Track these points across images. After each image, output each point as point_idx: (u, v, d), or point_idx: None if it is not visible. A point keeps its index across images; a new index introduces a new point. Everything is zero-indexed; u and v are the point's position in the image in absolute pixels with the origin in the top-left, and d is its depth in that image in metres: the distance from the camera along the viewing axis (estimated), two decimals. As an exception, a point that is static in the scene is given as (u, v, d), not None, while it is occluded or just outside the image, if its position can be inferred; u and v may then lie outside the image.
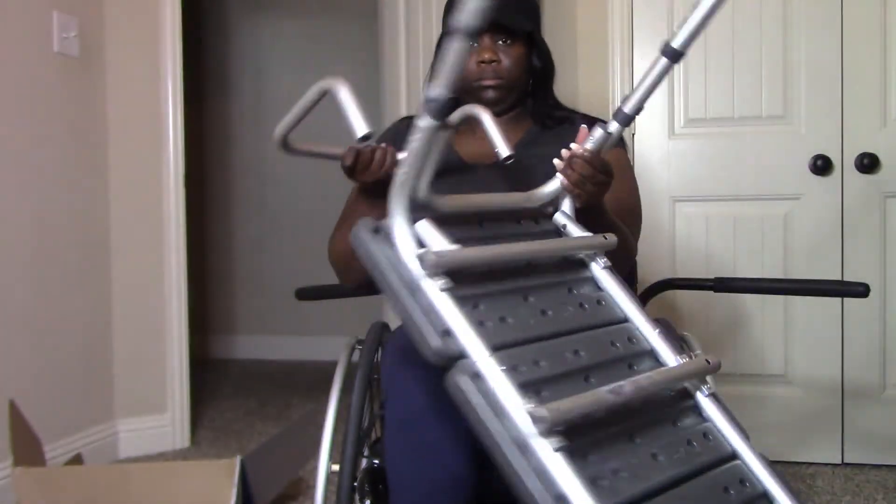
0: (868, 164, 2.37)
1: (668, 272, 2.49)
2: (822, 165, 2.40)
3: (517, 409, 0.83)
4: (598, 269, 1.14)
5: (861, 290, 1.56)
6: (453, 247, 0.93)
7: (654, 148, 2.52)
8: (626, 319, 1.11)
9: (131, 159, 2.67)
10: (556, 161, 1.19)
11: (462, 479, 1.16)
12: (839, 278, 2.40)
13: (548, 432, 0.82)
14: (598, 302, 1.11)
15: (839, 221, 2.42)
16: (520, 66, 1.49)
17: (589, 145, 1.17)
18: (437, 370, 1.17)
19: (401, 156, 1.28)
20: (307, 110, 1.24)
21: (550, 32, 2.64)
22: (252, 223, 4.38)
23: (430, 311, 0.89)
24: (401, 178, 0.95)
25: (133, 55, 2.66)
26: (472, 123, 1.56)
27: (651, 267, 2.41)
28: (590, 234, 1.15)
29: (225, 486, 1.95)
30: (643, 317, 1.11)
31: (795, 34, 2.43)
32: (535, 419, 0.81)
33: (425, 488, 1.15)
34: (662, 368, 1.05)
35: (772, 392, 2.49)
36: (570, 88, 2.51)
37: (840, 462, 2.45)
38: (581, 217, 1.20)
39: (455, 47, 0.89)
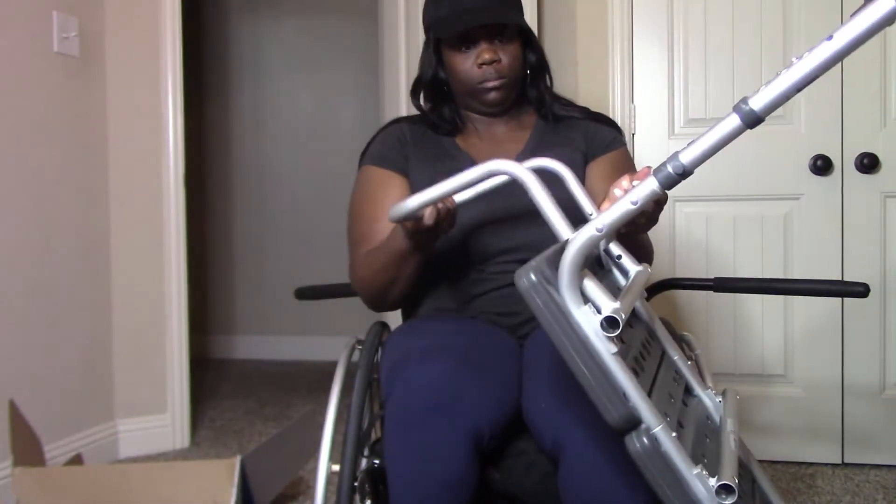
0: (868, 164, 2.37)
1: (668, 272, 2.49)
2: (822, 165, 2.40)
3: (692, 475, 0.91)
4: (643, 302, 1.19)
5: (861, 290, 1.56)
6: (617, 304, 0.91)
7: (654, 148, 2.52)
8: (665, 351, 1.19)
9: (131, 159, 2.67)
10: (616, 191, 1.14)
11: (462, 479, 1.16)
12: (839, 278, 2.40)
13: (731, 499, 0.91)
14: (652, 336, 1.17)
15: (839, 221, 2.42)
16: (518, 62, 1.49)
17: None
18: (437, 370, 1.17)
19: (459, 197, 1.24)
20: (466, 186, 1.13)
21: (550, 31, 2.64)
22: (252, 223, 4.38)
23: (607, 375, 0.90)
24: (595, 233, 0.89)
25: (133, 55, 2.66)
26: (477, 126, 1.55)
27: (651, 267, 2.41)
28: (640, 265, 1.13)
29: (225, 486, 1.95)
30: (675, 348, 1.19)
31: (795, 33, 2.43)
32: (719, 491, 0.91)
33: (425, 488, 1.15)
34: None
35: (772, 392, 2.49)
36: (570, 87, 2.51)
37: (840, 462, 2.45)
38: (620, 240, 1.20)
39: (732, 126, 0.86)
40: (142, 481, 2.01)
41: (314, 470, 1.37)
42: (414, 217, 1.20)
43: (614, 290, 1.06)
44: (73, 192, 2.49)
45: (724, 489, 0.90)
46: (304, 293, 1.88)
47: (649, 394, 0.97)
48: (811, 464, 2.46)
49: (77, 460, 2.31)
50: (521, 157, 1.49)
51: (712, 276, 1.74)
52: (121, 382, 2.67)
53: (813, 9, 2.41)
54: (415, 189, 1.49)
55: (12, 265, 2.26)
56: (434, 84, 1.54)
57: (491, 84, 1.47)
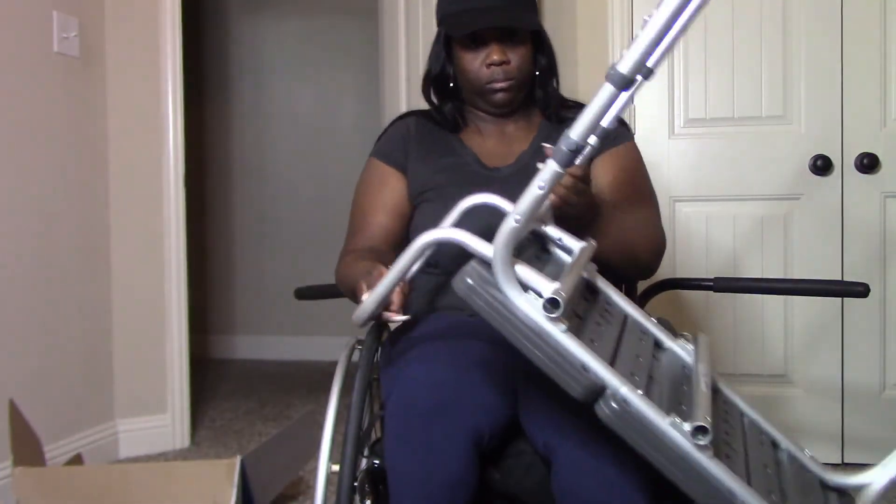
0: (868, 164, 2.37)
1: (668, 272, 2.48)
2: (822, 165, 2.40)
3: (666, 425, 0.93)
4: (593, 273, 1.20)
5: (861, 290, 1.56)
6: (556, 284, 0.94)
7: (654, 148, 2.52)
8: (627, 315, 1.19)
9: (131, 159, 2.67)
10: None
11: (462, 479, 1.16)
12: (839, 278, 2.40)
13: (706, 439, 0.92)
14: (609, 303, 1.18)
15: (839, 221, 2.42)
16: (528, 65, 1.48)
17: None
18: (437, 370, 1.17)
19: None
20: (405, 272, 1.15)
21: (550, 29, 2.63)
22: (252, 223, 4.38)
23: (562, 353, 0.93)
24: (514, 224, 0.93)
25: (133, 55, 2.66)
26: (483, 125, 1.55)
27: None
28: (583, 241, 1.16)
29: (225, 486, 1.95)
30: (637, 310, 1.19)
31: (795, 34, 2.43)
32: (695, 433, 0.91)
33: (425, 488, 1.15)
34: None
35: (772, 392, 2.49)
36: (570, 86, 2.50)
37: (840, 462, 2.45)
38: (581, 229, 1.22)
39: (608, 93, 0.88)
40: (142, 481, 2.01)
41: (314, 470, 1.37)
42: (380, 311, 1.21)
43: (560, 272, 1.09)
44: (73, 192, 2.49)
45: (699, 430, 0.91)
46: (304, 293, 1.88)
47: (613, 359, 1.00)
48: (811, 464, 2.45)
49: (77, 460, 2.31)
50: (525, 156, 1.49)
51: (712, 276, 1.74)
52: (121, 383, 2.67)
53: (813, 9, 2.41)
54: (413, 183, 1.52)
55: (12, 265, 2.26)
56: (441, 79, 1.53)
57: (498, 85, 1.46)
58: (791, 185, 2.44)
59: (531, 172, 0.94)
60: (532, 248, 1.14)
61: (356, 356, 1.43)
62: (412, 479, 1.16)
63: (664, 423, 0.92)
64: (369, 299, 1.17)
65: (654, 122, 2.53)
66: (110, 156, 2.64)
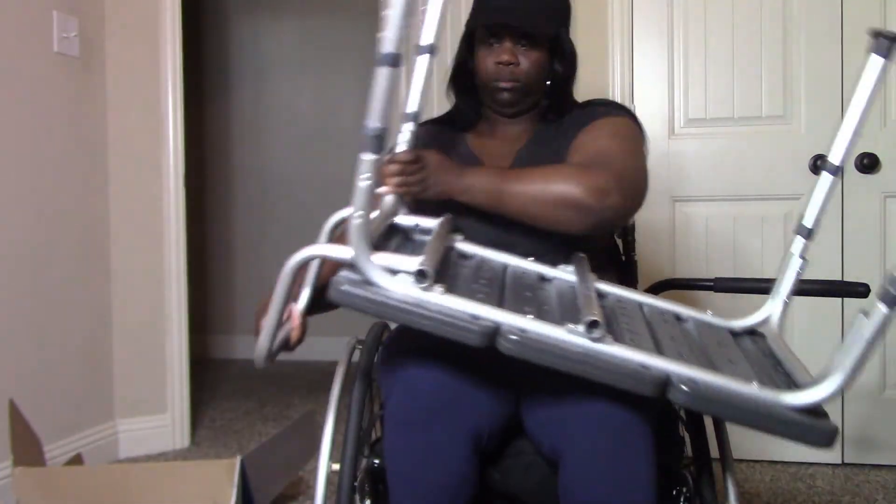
0: (868, 164, 2.37)
1: (668, 272, 2.49)
2: (822, 165, 2.40)
3: (563, 332, 0.99)
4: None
5: (861, 290, 1.56)
6: (419, 258, 1.01)
7: (654, 148, 2.51)
8: (506, 265, 1.27)
9: (131, 159, 2.67)
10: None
11: (462, 479, 1.16)
12: (839, 278, 2.40)
13: (600, 331, 0.98)
14: (485, 260, 1.27)
15: (839, 221, 2.42)
16: (538, 71, 1.45)
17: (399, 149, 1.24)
18: (437, 370, 1.17)
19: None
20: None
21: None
22: (252, 223, 4.38)
23: (448, 312, 0.99)
24: (358, 221, 0.99)
25: (133, 55, 2.66)
26: (492, 124, 1.55)
27: (651, 267, 2.41)
28: (438, 219, 1.24)
29: (225, 486, 1.95)
30: (512, 258, 1.26)
31: (795, 34, 2.43)
32: (588, 329, 0.98)
33: (425, 488, 1.15)
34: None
35: (772, 392, 2.49)
36: (570, 88, 2.51)
37: (840, 462, 2.45)
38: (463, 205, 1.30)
39: (384, 75, 0.95)
40: (142, 481, 2.01)
41: (314, 470, 1.37)
42: (281, 347, 1.25)
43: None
44: (73, 192, 2.49)
45: (591, 325, 0.98)
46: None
47: (500, 302, 1.07)
48: (811, 464, 2.46)
49: (77, 460, 2.31)
50: (520, 152, 1.48)
51: (712, 276, 1.74)
52: (121, 382, 2.67)
53: (813, 9, 2.41)
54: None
55: (12, 265, 2.26)
56: (463, 73, 1.53)
57: (503, 84, 1.44)
58: (791, 185, 2.44)
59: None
60: (394, 241, 1.20)
61: (356, 356, 1.44)
62: (412, 480, 1.16)
63: (561, 331, 0.99)
64: (260, 338, 1.19)
65: (654, 122, 2.53)
66: (110, 156, 2.64)
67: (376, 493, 1.31)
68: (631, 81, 2.53)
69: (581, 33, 2.59)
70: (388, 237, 1.20)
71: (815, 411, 1.02)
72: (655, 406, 1.13)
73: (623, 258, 1.68)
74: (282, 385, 3.69)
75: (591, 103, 1.53)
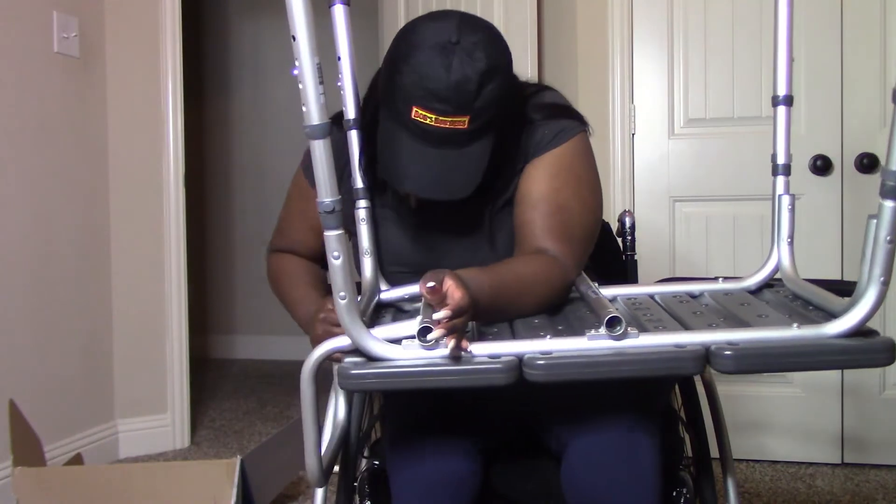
0: (868, 164, 2.37)
1: (668, 272, 2.49)
2: (822, 165, 2.40)
3: (586, 341, 0.97)
4: None
5: (861, 290, 1.56)
6: (417, 318, 0.97)
7: (654, 148, 2.52)
8: None
9: (131, 159, 2.67)
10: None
11: (462, 480, 1.16)
12: (839, 278, 2.40)
13: (622, 326, 0.96)
14: None
15: (839, 221, 2.42)
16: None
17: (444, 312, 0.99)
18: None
19: None
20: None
21: (550, 31, 2.64)
22: (252, 223, 4.37)
23: (466, 362, 0.95)
24: (343, 302, 0.94)
25: (133, 55, 2.66)
26: None
27: (651, 267, 2.41)
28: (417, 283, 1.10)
29: (225, 486, 1.95)
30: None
31: (795, 34, 2.42)
32: (610, 327, 0.95)
33: (425, 488, 1.15)
34: None
35: (772, 392, 2.49)
36: (571, 88, 2.51)
37: (840, 462, 2.45)
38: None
39: (318, 147, 0.93)
40: (142, 481, 2.01)
41: (314, 470, 1.37)
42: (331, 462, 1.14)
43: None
44: (73, 192, 2.49)
45: (611, 323, 0.95)
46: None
47: (513, 334, 1.06)
48: (811, 464, 2.46)
49: (77, 460, 2.31)
50: None
51: (712, 277, 1.73)
52: (121, 382, 2.67)
53: (813, 10, 2.41)
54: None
55: (12, 265, 2.26)
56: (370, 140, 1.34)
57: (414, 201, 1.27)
58: (791, 185, 2.44)
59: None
60: (387, 317, 1.16)
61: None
62: (413, 480, 1.16)
63: (584, 341, 0.96)
64: (307, 460, 1.05)
65: (654, 122, 2.53)
66: (110, 156, 2.64)
67: (376, 492, 1.31)
68: (631, 81, 2.53)
69: (581, 33, 2.60)
70: (379, 315, 1.16)
71: (864, 333, 0.96)
72: (662, 401, 1.12)
73: (623, 258, 1.68)
74: (282, 385, 3.69)
75: (534, 117, 1.27)
